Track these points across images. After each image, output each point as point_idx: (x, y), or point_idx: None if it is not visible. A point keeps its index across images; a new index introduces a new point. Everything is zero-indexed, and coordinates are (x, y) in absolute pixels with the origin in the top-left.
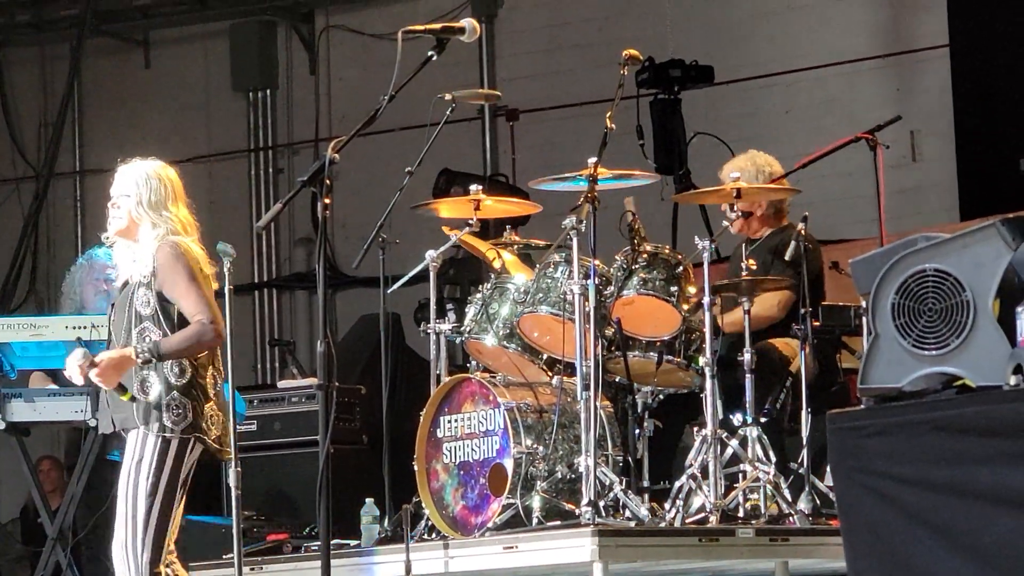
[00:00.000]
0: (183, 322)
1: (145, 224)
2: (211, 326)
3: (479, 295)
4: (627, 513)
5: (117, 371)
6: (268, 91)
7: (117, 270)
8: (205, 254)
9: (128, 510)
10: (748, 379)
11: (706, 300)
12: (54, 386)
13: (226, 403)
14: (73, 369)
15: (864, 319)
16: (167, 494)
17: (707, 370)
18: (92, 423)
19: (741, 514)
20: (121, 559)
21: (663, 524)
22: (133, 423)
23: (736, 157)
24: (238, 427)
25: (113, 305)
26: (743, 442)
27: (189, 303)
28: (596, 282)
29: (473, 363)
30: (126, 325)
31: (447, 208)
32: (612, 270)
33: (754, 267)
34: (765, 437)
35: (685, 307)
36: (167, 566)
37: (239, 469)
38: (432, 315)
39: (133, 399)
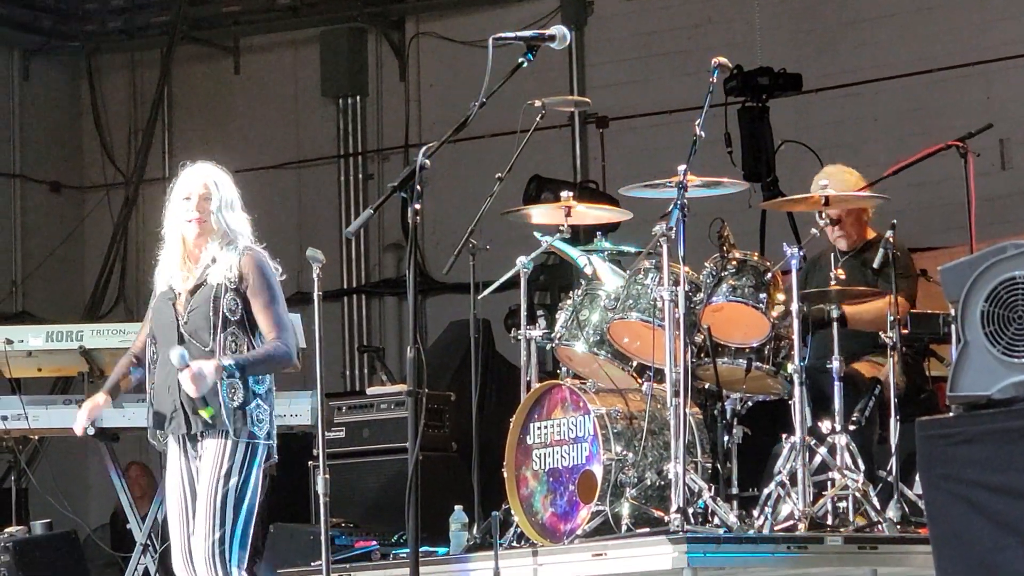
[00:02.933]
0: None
1: (222, 229)
2: (285, 348)
3: (570, 301)
4: (716, 520)
5: (207, 381)
6: (358, 97)
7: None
8: None
9: (215, 519)
10: (836, 387)
11: (795, 307)
12: None
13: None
14: (183, 374)
15: (953, 327)
16: (252, 501)
17: (796, 377)
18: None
19: (830, 522)
20: (209, 569)
21: (752, 531)
22: (220, 428)
23: (826, 167)
24: (327, 434)
25: (165, 308)
26: (832, 450)
27: (268, 319)
28: (686, 289)
29: (563, 369)
30: (211, 328)
31: (538, 214)
32: (701, 277)
33: (843, 276)
34: (854, 445)
35: (774, 314)
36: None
37: (327, 476)
38: (523, 321)
39: (213, 417)
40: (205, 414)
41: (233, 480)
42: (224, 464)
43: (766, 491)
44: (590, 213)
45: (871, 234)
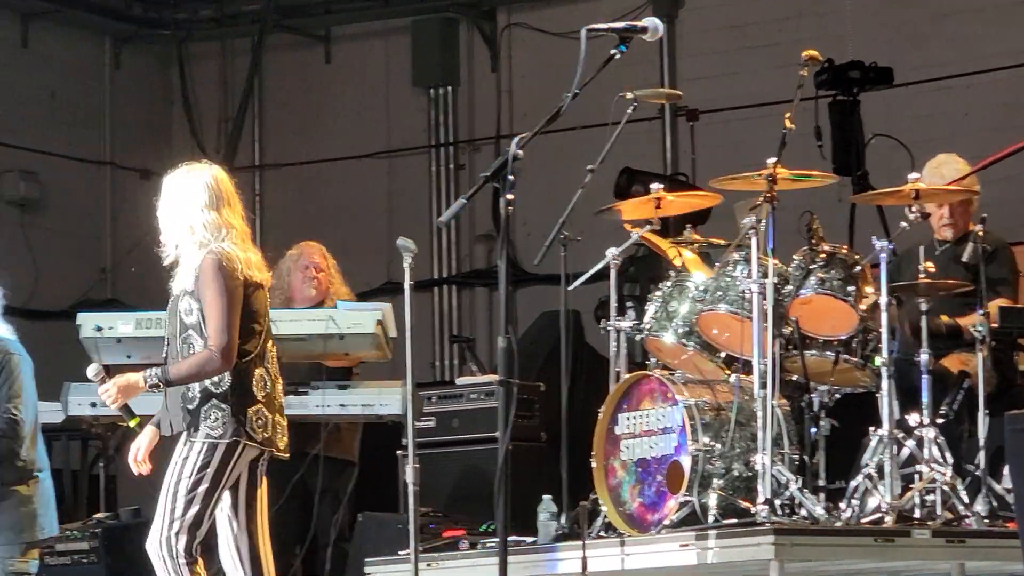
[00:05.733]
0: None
1: (180, 231)
2: (218, 354)
3: (659, 293)
4: (803, 512)
5: (123, 394)
6: (449, 88)
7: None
8: (258, 257)
9: (168, 506)
10: (924, 380)
11: (883, 300)
12: None
13: (280, 403)
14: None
15: None
16: (207, 494)
17: (884, 370)
18: None
19: (917, 515)
20: (156, 553)
21: (839, 524)
22: (183, 428)
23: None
24: (416, 423)
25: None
26: (919, 443)
27: (210, 325)
28: (774, 281)
29: (652, 360)
30: (172, 333)
31: (628, 208)
32: (790, 269)
33: (932, 269)
34: (942, 438)
35: (862, 307)
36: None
37: (417, 465)
38: (612, 312)
39: (140, 425)
40: (131, 423)
41: (187, 471)
42: (180, 461)
43: (853, 483)
44: (680, 202)
45: (972, 227)
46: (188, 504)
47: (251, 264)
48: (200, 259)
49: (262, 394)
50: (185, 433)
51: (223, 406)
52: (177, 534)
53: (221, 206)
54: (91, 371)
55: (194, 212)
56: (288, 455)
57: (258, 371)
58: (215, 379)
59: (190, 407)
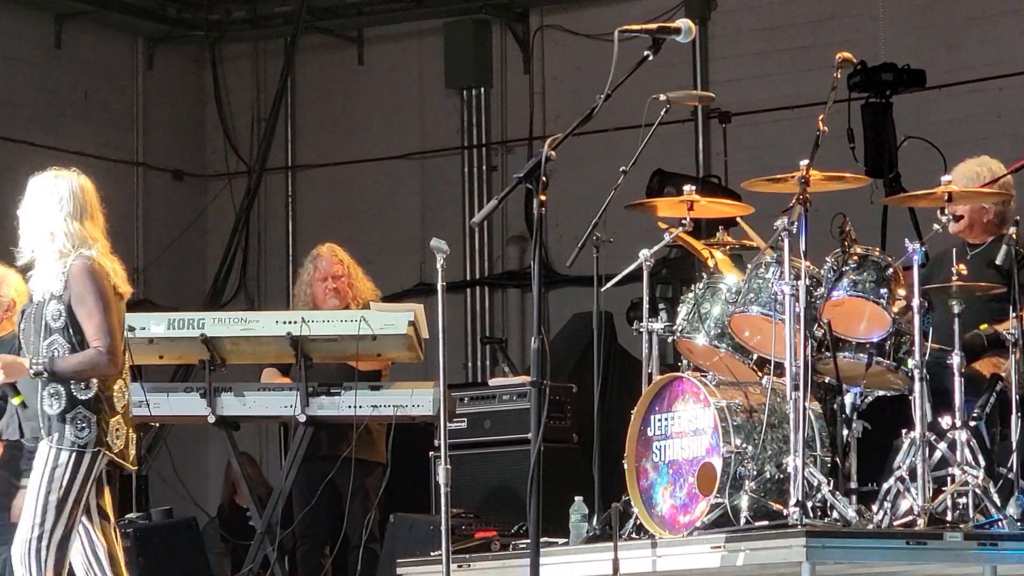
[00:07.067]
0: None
1: (39, 239)
2: (107, 356)
3: (691, 295)
4: (835, 514)
5: (8, 372)
6: (482, 89)
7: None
8: (122, 269)
9: (36, 519)
10: (957, 382)
11: (915, 303)
12: (286, 381)
13: (131, 414)
14: None
15: None
16: (75, 505)
17: (916, 373)
18: (301, 419)
19: (949, 518)
20: (22, 562)
21: (871, 526)
22: (42, 435)
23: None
24: (448, 424)
25: (23, 314)
26: (952, 445)
27: (91, 327)
28: (807, 283)
29: (684, 362)
30: (35, 337)
31: (662, 207)
32: (822, 272)
33: (964, 272)
34: (974, 441)
35: (895, 309)
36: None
37: (449, 466)
38: (645, 314)
39: (23, 405)
40: (15, 400)
41: (55, 485)
42: (47, 469)
43: (885, 486)
44: (713, 207)
45: (1006, 230)
46: (58, 515)
47: (117, 274)
48: (69, 265)
49: (120, 405)
50: (48, 439)
51: (88, 414)
52: (47, 547)
53: (85, 217)
54: None
55: (56, 220)
56: (136, 468)
57: (118, 382)
58: (81, 385)
59: (52, 412)
